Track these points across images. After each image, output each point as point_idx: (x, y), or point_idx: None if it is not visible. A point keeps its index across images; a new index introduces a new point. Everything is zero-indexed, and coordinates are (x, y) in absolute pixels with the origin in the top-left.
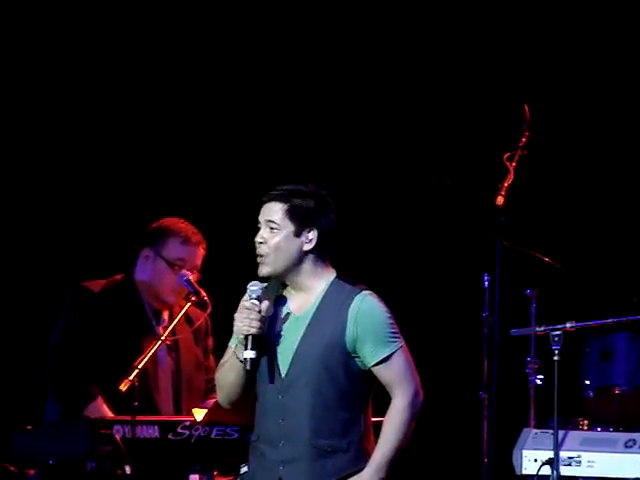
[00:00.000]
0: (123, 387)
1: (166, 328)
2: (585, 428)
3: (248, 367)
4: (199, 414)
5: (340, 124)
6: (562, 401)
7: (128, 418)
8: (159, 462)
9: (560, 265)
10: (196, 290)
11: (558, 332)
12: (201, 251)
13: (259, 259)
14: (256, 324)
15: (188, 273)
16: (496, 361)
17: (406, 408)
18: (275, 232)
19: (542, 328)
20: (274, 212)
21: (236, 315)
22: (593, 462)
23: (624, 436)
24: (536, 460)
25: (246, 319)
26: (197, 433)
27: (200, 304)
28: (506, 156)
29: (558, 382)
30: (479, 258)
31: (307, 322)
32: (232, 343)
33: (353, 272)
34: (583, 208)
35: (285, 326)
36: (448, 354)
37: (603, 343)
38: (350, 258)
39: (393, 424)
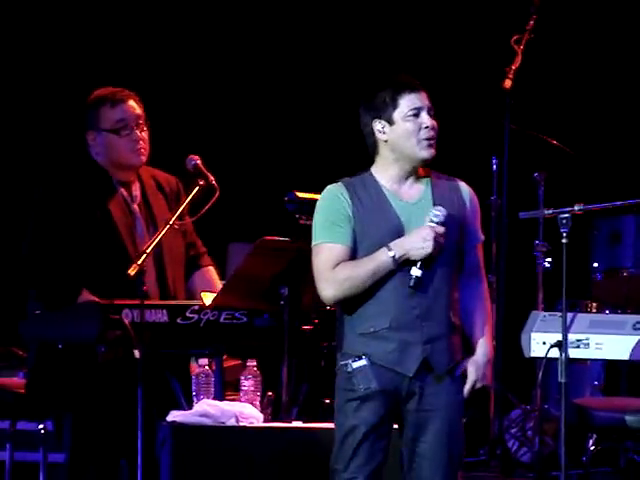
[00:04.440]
0: (132, 272)
1: (140, 204)
2: (593, 310)
3: (412, 284)
4: (208, 298)
5: None
6: (570, 284)
7: (137, 302)
8: (168, 346)
9: (568, 148)
10: (204, 174)
11: (566, 215)
12: (132, 103)
13: (431, 142)
14: (435, 246)
15: (195, 158)
16: (504, 244)
17: (487, 290)
18: (433, 117)
19: (550, 211)
20: (429, 100)
21: (418, 235)
22: (601, 344)
23: (632, 318)
24: (544, 343)
25: (429, 241)
26: (206, 317)
27: (208, 188)
28: (514, 39)
29: (566, 265)
30: (487, 141)
31: (430, 204)
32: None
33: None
34: (591, 91)
35: (406, 214)
36: None
37: (611, 226)
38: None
39: (486, 306)
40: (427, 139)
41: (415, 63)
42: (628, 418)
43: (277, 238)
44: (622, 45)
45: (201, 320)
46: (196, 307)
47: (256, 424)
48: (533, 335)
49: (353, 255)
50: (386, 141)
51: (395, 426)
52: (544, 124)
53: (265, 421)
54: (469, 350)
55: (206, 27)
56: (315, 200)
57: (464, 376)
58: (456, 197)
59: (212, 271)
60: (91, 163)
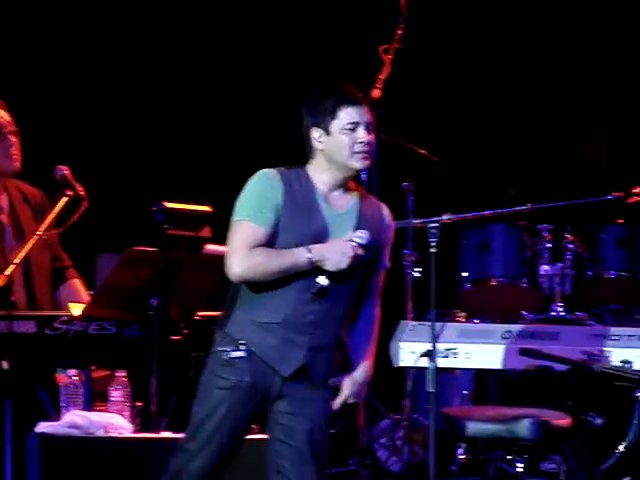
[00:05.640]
0: (0, 282)
1: (8, 215)
2: (462, 320)
3: (316, 292)
4: (76, 309)
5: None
6: (439, 293)
7: (4, 313)
8: (36, 357)
9: (437, 158)
10: (72, 185)
11: (435, 224)
12: (3, 111)
13: (365, 155)
14: (350, 264)
15: (64, 168)
16: None
17: (379, 315)
18: (371, 132)
19: (419, 220)
20: (370, 115)
21: (339, 248)
22: (470, 354)
23: (501, 327)
24: (413, 352)
25: (344, 257)
26: (74, 328)
27: (76, 199)
28: (382, 49)
29: (435, 274)
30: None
31: (354, 219)
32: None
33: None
34: (460, 101)
35: (330, 222)
36: None
37: (480, 235)
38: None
39: (375, 328)
40: (361, 152)
41: (283, 73)
42: (497, 427)
43: (145, 248)
44: (490, 54)
45: (70, 331)
46: (65, 318)
47: (125, 435)
48: (402, 344)
49: (269, 244)
50: (322, 150)
51: (263, 436)
52: (413, 134)
53: (134, 432)
54: (347, 367)
55: (73, 36)
56: (183, 210)
57: (337, 388)
58: (378, 220)
59: (78, 283)
60: None
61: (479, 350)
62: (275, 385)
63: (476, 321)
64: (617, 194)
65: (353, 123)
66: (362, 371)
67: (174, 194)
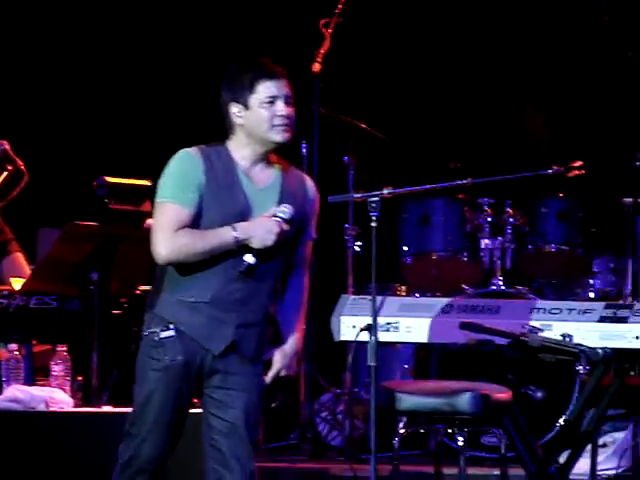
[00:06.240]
0: None
1: None
2: (403, 294)
3: (243, 270)
4: (17, 283)
5: None
6: (380, 267)
7: None
8: None
9: (377, 132)
10: (12, 159)
11: (376, 199)
12: None
13: (285, 128)
14: (276, 241)
15: (4, 142)
16: None
17: (308, 286)
18: (290, 105)
19: (360, 195)
20: (289, 88)
21: (264, 225)
22: (411, 328)
23: (441, 301)
24: (354, 326)
25: (270, 234)
26: (15, 302)
27: (16, 173)
28: (322, 23)
29: (376, 249)
30: (297, 125)
31: (277, 194)
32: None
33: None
34: (400, 75)
35: (253, 198)
36: None
37: (420, 209)
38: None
39: (304, 299)
40: (281, 125)
41: (223, 47)
42: (437, 401)
43: (86, 223)
44: (429, 28)
45: (10, 305)
46: (5, 292)
47: (66, 409)
48: (343, 319)
49: (194, 224)
50: (242, 125)
51: (199, 410)
52: (353, 108)
53: (75, 406)
54: (279, 340)
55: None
56: (124, 185)
57: (269, 362)
58: (301, 193)
59: (20, 257)
60: None
61: (420, 324)
62: (207, 362)
63: (417, 295)
64: (557, 168)
65: (272, 97)
66: (292, 343)
67: (115, 169)
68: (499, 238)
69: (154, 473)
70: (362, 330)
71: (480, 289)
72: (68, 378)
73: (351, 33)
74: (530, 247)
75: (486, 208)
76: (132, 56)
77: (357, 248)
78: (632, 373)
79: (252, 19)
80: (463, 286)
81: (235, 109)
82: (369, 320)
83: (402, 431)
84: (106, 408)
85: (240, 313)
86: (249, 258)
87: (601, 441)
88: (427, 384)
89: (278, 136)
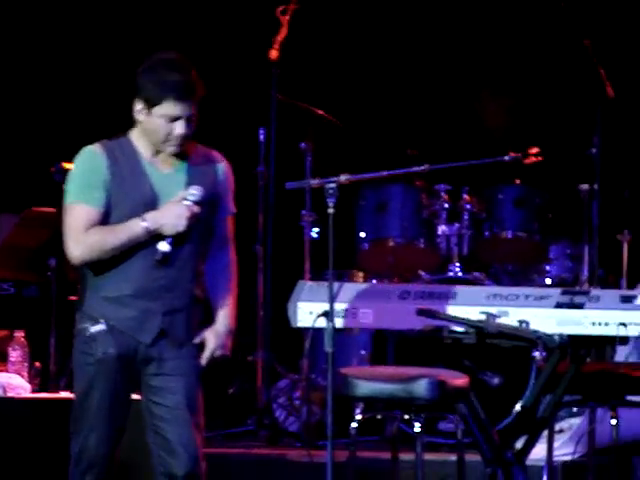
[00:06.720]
0: None
1: None
2: (360, 280)
3: (159, 258)
4: None
5: None
6: (337, 254)
7: None
8: None
9: (335, 118)
10: None
11: (333, 185)
12: None
13: (177, 147)
14: (188, 225)
15: None
16: (271, 214)
17: (234, 262)
18: (192, 122)
19: (317, 181)
20: (193, 108)
21: (173, 211)
22: (368, 314)
23: (398, 287)
24: (311, 312)
25: (180, 219)
26: None
27: None
28: (279, 10)
29: (333, 235)
30: (254, 111)
31: (184, 177)
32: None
33: None
34: (357, 62)
35: (159, 184)
36: None
37: (378, 196)
38: None
39: (233, 275)
40: (173, 143)
41: (181, 32)
42: (394, 387)
43: (44, 209)
44: (387, 14)
45: None
46: None
47: (24, 395)
48: (300, 305)
49: (105, 220)
50: (140, 122)
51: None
52: (310, 95)
53: (33, 392)
54: (211, 320)
55: None
56: None
57: (202, 344)
58: (210, 171)
59: None
60: None
61: (377, 310)
62: (140, 351)
63: (374, 281)
64: (514, 155)
65: (174, 117)
66: (223, 322)
67: (72, 155)
68: (456, 224)
69: (106, 467)
70: (319, 316)
71: (437, 275)
72: (26, 364)
73: (308, 20)
74: (487, 233)
75: (443, 195)
76: (87, 40)
77: (314, 234)
78: (588, 359)
79: (209, 5)
80: (420, 272)
81: (139, 106)
82: (326, 306)
83: (359, 417)
84: (64, 394)
85: (166, 300)
86: (163, 246)
87: (557, 427)
88: (384, 370)
89: (168, 149)
